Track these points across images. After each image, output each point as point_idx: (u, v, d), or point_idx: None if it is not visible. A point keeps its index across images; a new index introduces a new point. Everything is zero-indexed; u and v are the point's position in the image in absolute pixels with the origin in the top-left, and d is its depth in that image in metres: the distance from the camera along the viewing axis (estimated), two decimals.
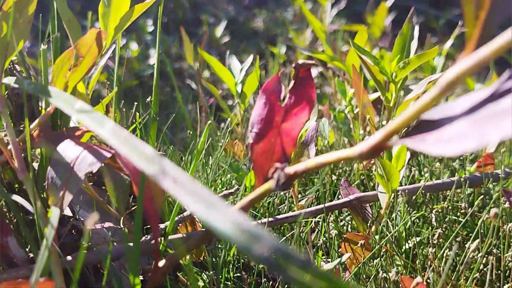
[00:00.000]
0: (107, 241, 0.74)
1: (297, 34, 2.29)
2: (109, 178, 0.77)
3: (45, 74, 0.64)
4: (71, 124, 0.78)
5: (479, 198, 0.84)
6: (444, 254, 0.74)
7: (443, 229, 0.80)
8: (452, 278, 0.72)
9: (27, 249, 0.70)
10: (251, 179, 1.01)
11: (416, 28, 1.03)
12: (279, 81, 0.57)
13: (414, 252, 0.82)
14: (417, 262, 0.80)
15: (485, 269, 0.79)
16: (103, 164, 0.60)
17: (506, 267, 0.77)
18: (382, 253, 0.79)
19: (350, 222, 0.98)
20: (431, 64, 1.43)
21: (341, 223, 0.97)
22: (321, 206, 0.84)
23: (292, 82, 0.57)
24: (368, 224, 0.84)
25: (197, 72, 1.85)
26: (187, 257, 0.78)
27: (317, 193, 1.01)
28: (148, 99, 1.05)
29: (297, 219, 0.81)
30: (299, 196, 1.05)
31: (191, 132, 1.09)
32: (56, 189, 0.58)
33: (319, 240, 0.84)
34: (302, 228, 0.86)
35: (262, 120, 0.56)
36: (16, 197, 0.62)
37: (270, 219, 0.81)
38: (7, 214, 0.72)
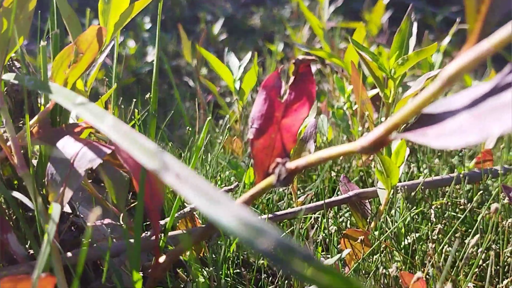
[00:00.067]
0: (106, 237, 0.74)
1: (294, 32, 2.29)
2: (108, 175, 0.77)
3: (45, 71, 0.64)
4: (70, 121, 0.78)
5: (478, 194, 0.84)
6: (443, 250, 0.74)
7: (442, 225, 0.80)
8: (452, 274, 0.72)
9: (26, 246, 0.70)
10: (250, 176, 1.02)
11: (415, 25, 1.03)
12: (279, 77, 0.57)
13: (413, 248, 0.82)
14: (416, 258, 0.80)
15: (484, 264, 0.79)
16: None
17: (505, 263, 0.77)
18: (381, 249, 0.79)
19: (349, 218, 0.98)
20: (429, 61, 1.43)
21: (340, 219, 0.97)
22: (321, 202, 0.84)
23: (292, 77, 0.57)
24: (368, 220, 0.85)
25: (195, 69, 1.85)
26: (187, 253, 0.78)
27: (316, 189, 1.01)
28: (147, 96, 1.05)
29: (297, 215, 0.82)
30: (298, 193, 1.05)
31: (190, 129, 1.09)
32: (56, 186, 0.58)
33: (318, 236, 0.84)
34: (301, 224, 0.86)
35: (262, 115, 0.56)
36: (16, 194, 0.62)
37: (270, 215, 0.82)
38: (7, 211, 0.72)
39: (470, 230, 0.89)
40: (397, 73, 0.98)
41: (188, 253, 0.78)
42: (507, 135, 1.35)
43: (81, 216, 0.75)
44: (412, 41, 1.01)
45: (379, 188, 0.84)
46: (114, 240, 0.73)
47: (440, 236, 0.80)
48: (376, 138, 0.41)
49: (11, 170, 0.73)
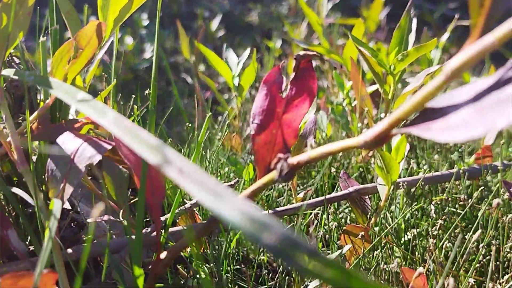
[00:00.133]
0: (106, 234, 0.73)
1: (292, 28, 2.29)
2: (107, 171, 0.77)
3: (44, 66, 0.64)
4: (70, 117, 0.77)
5: (478, 190, 0.84)
6: (444, 246, 0.74)
7: (442, 220, 0.80)
8: (453, 269, 0.72)
9: (27, 242, 0.70)
10: (250, 172, 1.01)
11: (414, 21, 1.03)
12: (280, 72, 0.57)
13: (414, 243, 0.82)
14: (416, 253, 0.80)
15: (484, 260, 0.80)
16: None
17: (505, 258, 0.77)
18: (381, 245, 0.79)
19: (349, 214, 0.98)
20: (428, 57, 1.43)
21: (340, 215, 0.97)
22: (321, 198, 0.84)
23: (293, 73, 0.56)
24: (368, 216, 0.85)
25: (193, 66, 1.84)
26: (188, 249, 0.78)
27: (316, 186, 1.01)
28: (146, 92, 1.05)
29: (298, 211, 0.81)
30: (298, 189, 1.05)
31: (189, 125, 1.09)
32: (56, 182, 0.58)
33: (318, 232, 0.84)
34: (301, 220, 0.86)
35: (263, 111, 0.56)
36: (16, 190, 0.62)
37: (270, 211, 0.81)
38: (7, 207, 0.71)
39: (470, 226, 0.89)
40: (397, 69, 0.98)
41: (189, 249, 0.78)
42: (506, 131, 1.35)
43: (81, 212, 0.75)
44: (412, 37, 1.01)
45: (379, 184, 0.84)
46: (114, 236, 0.73)
47: (440, 232, 0.80)
48: (380, 133, 0.41)
49: (11, 166, 0.72)
